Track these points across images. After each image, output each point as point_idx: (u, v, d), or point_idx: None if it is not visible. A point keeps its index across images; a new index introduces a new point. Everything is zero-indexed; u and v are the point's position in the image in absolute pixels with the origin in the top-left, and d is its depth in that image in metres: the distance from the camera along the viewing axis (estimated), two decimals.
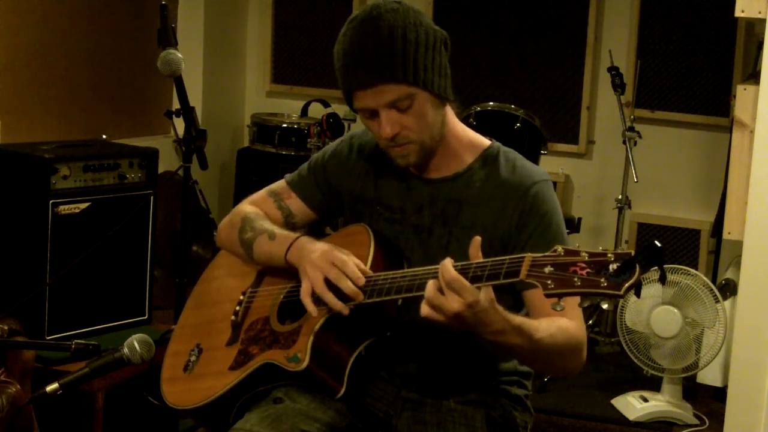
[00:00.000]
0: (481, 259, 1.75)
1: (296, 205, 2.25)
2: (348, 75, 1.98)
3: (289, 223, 2.25)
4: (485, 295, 1.73)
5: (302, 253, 2.04)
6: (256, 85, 5.68)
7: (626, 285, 1.57)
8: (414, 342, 2.08)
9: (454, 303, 1.72)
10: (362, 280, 1.93)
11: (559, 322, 1.91)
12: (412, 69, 1.94)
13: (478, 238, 1.78)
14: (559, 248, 1.66)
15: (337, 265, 1.95)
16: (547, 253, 1.67)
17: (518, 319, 1.82)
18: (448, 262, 1.74)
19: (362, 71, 1.95)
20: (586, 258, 1.62)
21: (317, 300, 1.97)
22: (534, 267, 1.67)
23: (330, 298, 1.93)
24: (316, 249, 2.01)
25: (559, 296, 1.64)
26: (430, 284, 1.76)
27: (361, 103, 1.99)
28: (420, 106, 1.97)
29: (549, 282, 1.64)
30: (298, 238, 2.10)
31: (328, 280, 1.95)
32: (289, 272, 2.10)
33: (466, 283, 1.72)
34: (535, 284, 1.66)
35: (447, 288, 1.73)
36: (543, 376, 3.84)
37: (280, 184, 2.30)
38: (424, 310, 1.76)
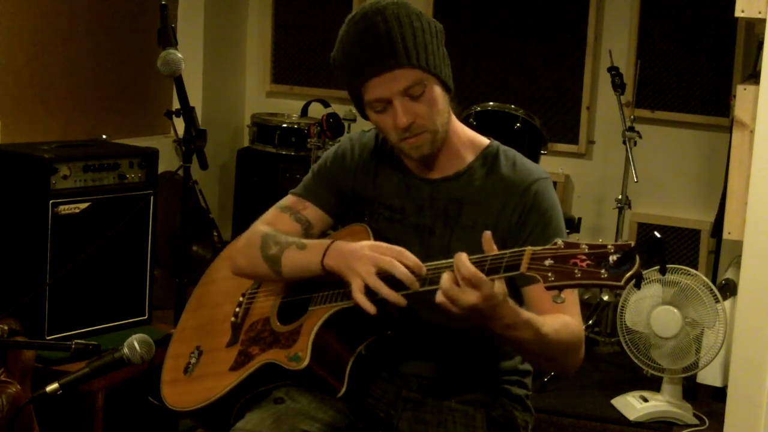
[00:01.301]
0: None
1: (314, 213, 2.19)
2: (360, 65, 1.97)
3: (308, 235, 2.17)
4: (500, 288, 1.73)
5: (342, 254, 1.95)
6: (256, 85, 5.68)
7: (627, 276, 1.58)
8: (415, 341, 2.08)
9: (470, 296, 1.72)
10: (424, 269, 1.86)
11: (562, 319, 1.92)
12: (424, 54, 1.96)
13: (488, 233, 1.77)
14: (559, 241, 1.66)
15: (387, 252, 1.88)
16: (547, 246, 1.67)
17: (527, 313, 1.83)
18: (464, 257, 1.73)
19: (376, 58, 1.94)
20: (586, 250, 1.62)
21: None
22: (534, 260, 1.67)
23: (386, 291, 1.85)
24: (362, 245, 1.93)
25: (560, 288, 1.64)
26: (446, 277, 1.74)
27: (374, 93, 1.98)
28: (431, 92, 1.98)
29: (549, 274, 1.64)
30: (333, 242, 2.02)
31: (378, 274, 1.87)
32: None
33: (484, 276, 1.71)
34: (535, 277, 1.66)
35: (465, 282, 1.72)
36: (543, 375, 3.84)
37: (290, 199, 2.23)
38: (439, 297, 1.75)
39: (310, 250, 2.03)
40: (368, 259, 1.88)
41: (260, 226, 2.19)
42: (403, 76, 1.95)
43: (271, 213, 2.23)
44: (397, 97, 1.96)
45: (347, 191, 2.20)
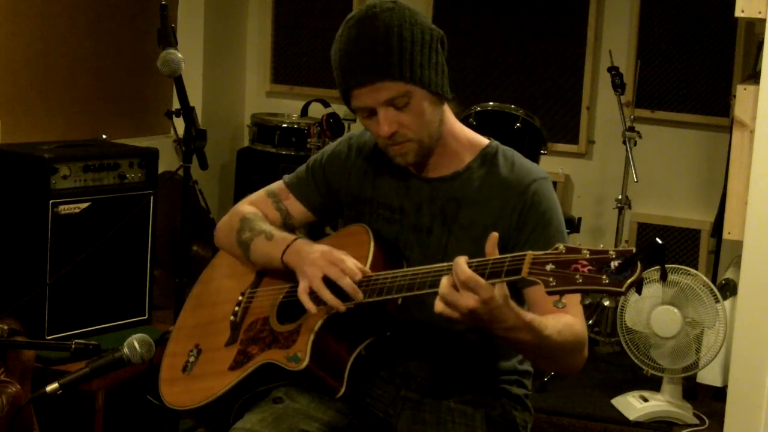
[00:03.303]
0: (498, 255, 1.74)
1: (294, 206, 2.26)
2: (345, 74, 1.98)
3: (287, 224, 2.25)
4: (500, 291, 1.73)
5: (300, 255, 2.03)
6: (256, 85, 5.68)
7: (628, 282, 1.57)
8: (414, 342, 2.08)
9: (469, 300, 1.71)
10: (359, 276, 1.94)
11: (565, 319, 1.91)
12: (408, 67, 1.94)
13: (495, 234, 1.77)
14: (561, 246, 1.66)
15: (336, 263, 1.96)
16: (548, 251, 1.67)
17: (529, 315, 1.82)
18: (462, 261, 1.73)
19: (359, 69, 1.95)
20: (588, 255, 1.62)
21: (316, 299, 1.97)
22: (535, 265, 1.67)
23: (327, 295, 1.93)
24: (315, 250, 2.02)
25: (561, 294, 1.64)
26: (445, 281, 1.75)
27: (359, 102, 1.99)
28: (417, 104, 1.98)
29: (551, 279, 1.64)
30: (295, 240, 2.09)
31: (327, 279, 1.95)
32: (288, 273, 2.10)
33: (482, 280, 1.71)
34: (536, 282, 1.66)
35: (462, 286, 1.72)
36: (543, 375, 3.84)
37: (278, 185, 2.29)
38: (438, 306, 1.75)
39: (275, 244, 2.12)
40: (318, 266, 1.96)
41: (244, 206, 2.28)
42: (385, 88, 1.95)
43: (258, 195, 2.31)
44: (381, 107, 1.97)
45: (341, 192, 2.20)
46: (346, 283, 1.93)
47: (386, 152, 2.07)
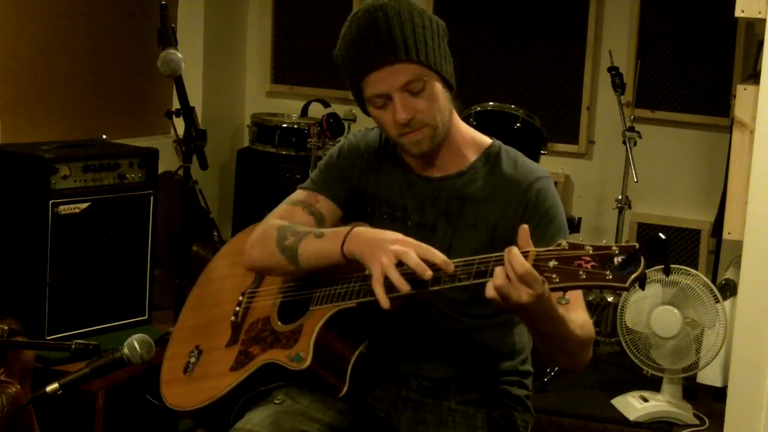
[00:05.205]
0: (532, 248, 1.71)
1: (326, 206, 2.17)
2: (360, 59, 1.97)
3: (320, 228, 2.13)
4: (548, 285, 1.69)
5: (365, 240, 1.91)
6: (256, 85, 5.68)
7: (632, 277, 1.57)
8: (415, 342, 2.08)
9: (523, 294, 1.67)
10: (452, 267, 1.80)
11: (584, 316, 1.92)
12: (423, 50, 1.96)
13: (525, 227, 1.74)
14: (564, 242, 1.65)
15: (418, 251, 1.83)
16: (551, 247, 1.66)
17: (561, 309, 1.79)
18: (517, 252, 1.68)
19: (376, 52, 1.95)
20: (591, 251, 1.62)
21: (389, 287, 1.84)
22: (539, 261, 1.66)
23: (404, 286, 1.80)
24: (388, 235, 1.90)
25: (564, 290, 1.63)
26: (499, 272, 1.70)
27: (374, 88, 1.98)
28: (431, 89, 1.98)
29: (554, 276, 1.63)
30: (352, 228, 1.97)
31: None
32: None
33: (538, 275, 1.67)
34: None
35: (519, 279, 1.67)
36: (543, 375, 3.84)
37: (300, 194, 2.20)
38: (490, 292, 1.70)
39: (329, 238, 1.99)
40: (392, 251, 1.84)
41: (274, 220, 2.15)
42: (402, 71, 1.95)
43: (282, 208, 2.19)
44: (397, 92, 1.96)
45: (353, 186, 2.19)
46: (416, 262, 1.79)
47: (399, 143, 2.04)
